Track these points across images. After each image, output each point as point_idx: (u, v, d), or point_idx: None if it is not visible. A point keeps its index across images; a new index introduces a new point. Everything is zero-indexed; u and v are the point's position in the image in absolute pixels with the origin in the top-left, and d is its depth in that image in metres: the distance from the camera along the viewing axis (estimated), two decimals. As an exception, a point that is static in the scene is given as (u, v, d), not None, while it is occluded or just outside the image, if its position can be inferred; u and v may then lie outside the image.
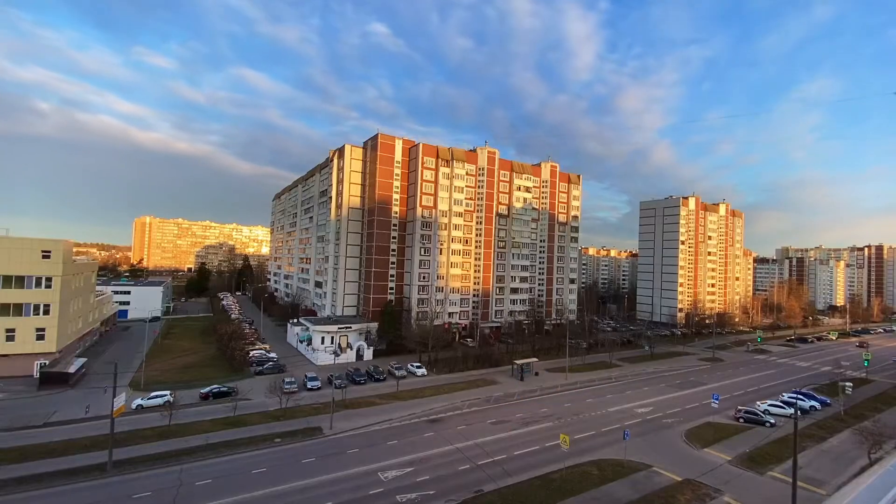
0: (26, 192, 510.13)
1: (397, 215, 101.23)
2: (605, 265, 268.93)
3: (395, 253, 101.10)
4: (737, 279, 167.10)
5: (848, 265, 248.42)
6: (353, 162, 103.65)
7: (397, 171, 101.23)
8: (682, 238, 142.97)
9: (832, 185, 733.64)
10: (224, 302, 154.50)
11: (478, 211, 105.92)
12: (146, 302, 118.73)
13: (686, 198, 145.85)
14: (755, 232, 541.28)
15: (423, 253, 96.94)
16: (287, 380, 61.61)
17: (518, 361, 73.24)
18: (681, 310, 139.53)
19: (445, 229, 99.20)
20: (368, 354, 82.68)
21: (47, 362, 62.21)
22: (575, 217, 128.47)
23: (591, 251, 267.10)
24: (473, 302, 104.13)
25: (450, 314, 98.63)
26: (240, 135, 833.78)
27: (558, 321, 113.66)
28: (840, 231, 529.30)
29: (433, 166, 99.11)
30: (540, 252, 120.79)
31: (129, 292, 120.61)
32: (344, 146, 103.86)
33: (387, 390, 62.41)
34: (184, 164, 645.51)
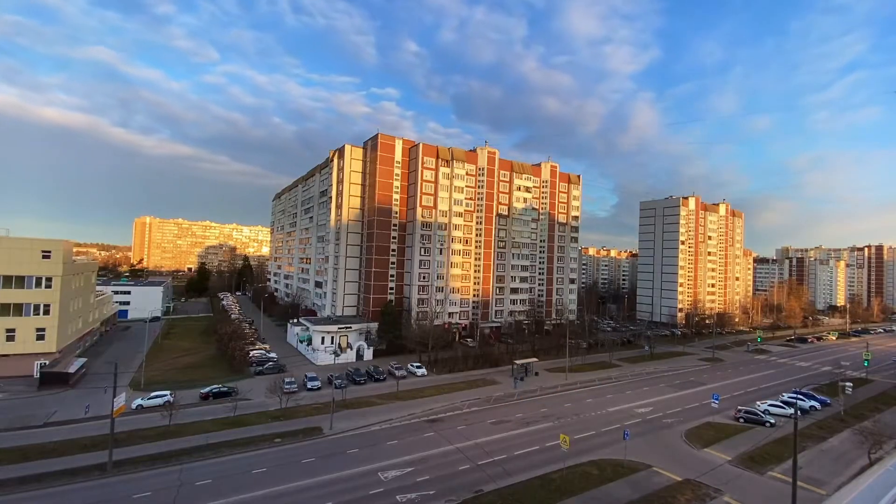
0: (26, 192, 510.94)
1: (397, 215, 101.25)
2: (605, 265, 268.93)
3: (395, 253, 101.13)
4: (737, 279, 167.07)
5: (848, 265, 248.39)
6: (353, 162, 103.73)
7: (397, 171, 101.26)
8: (682, 238, 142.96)
9: (854, 165, 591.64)
10: (224, 302, 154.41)
11: (478, 211, 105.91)
12: (146, 302, 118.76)
13: (686, 198, 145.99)
14: (757, 227, 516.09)
15: (423, 253, 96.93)
16: (287, 380, 61.58)
17: (518, 361, 73.17)
18: (681, 310, 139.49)
19: (445, 229, 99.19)
20: (368, 354, 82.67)
21: (47, 362, 62.21)
22: (575, 217, 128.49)
23: (591, 251, 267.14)
24: (473, 302, 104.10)
25: (450, 314, 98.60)
26: (95, 93, 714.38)
27: (558, 321, 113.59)
28: (851, 225, 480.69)
29: (433, 166, 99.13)
30: (540, 252, 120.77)
31: (129, 292, 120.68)
32: (344, 146, 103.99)
33: (387, 390, 62.39)
34: (77, 142, 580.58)
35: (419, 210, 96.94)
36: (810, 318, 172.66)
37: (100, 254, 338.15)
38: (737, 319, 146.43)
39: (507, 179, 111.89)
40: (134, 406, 51.39)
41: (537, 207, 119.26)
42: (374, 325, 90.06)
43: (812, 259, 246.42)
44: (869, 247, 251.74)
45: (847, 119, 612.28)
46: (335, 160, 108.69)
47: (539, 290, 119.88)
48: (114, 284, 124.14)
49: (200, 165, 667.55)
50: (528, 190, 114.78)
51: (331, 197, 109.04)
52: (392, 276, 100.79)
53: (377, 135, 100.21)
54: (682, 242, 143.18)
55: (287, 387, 58.18)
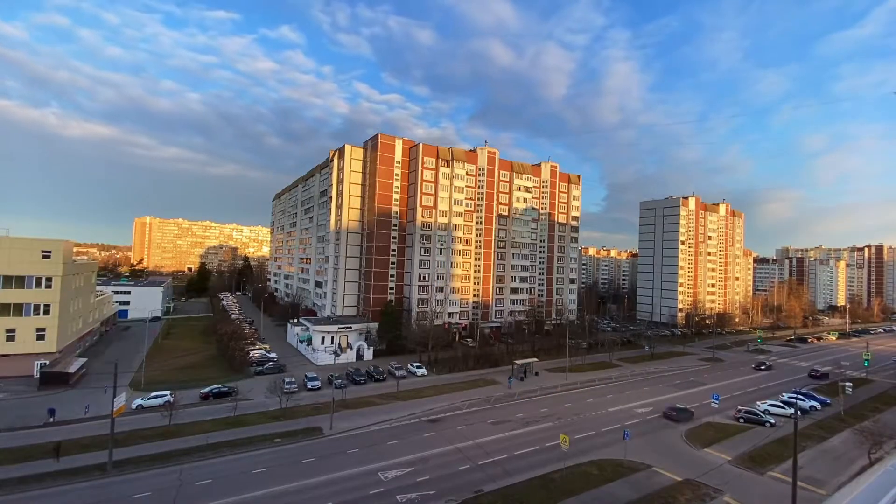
0: (26, 193, 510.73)
1: (397, 215, 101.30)
2: (605, 265, 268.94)
3: (395, 253, 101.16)
4: (737, 279, 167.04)
5: (848, 265, 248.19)
6: (354, 162, 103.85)
7: (397, 171, 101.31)
8: (682, 238, 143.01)
9: (879, 143, 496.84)
10: (224, 302, 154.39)
11: (478, 211, 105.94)
12: (146, 302, 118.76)
13: (686, 198, 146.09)
14: (758, 226, 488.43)
15: (423, 253, 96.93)
16: (287, 380, 61.57)
17: (518, 361, 73.17)
18: (681, 310, 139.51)
19: (445, 229, 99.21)
20: (368, 354, 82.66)
21: (47, 362, 62.21)
22: (575, 217, 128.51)
23: (591, 251, 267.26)
24: (473, 302, 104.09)
25: (450, 314, 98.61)
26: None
27: (558, 321, 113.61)
28: (861, 220, 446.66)
29: (433, 166, 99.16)
30: (540, 252, 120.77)
31: (129, 292, 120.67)
32: (344, 146, 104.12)
33: (387, 390, 62.40)
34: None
35: (419, 210, 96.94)
36: (810, 318, 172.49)
37: (100, 254, 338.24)
38: (737, 319, 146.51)
39: (507, 179, 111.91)
40: (134, 406, 51.39)
41: (537, 207, 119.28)
42: (374, 325, 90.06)
43: (812, 259, 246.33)
44: (869, 247, 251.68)
45: (879, 72, 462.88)
46: (335, 160, 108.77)
47: (539, 291, 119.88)
48: (114, 284, 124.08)
49: (132, 151, 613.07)
50: (528, 190, 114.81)
51: (331, 197, 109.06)
52: (392, 276, 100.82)
53: (377, 135, 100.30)
54: (682, 242, 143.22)
55: (287, 387, 58.12)
